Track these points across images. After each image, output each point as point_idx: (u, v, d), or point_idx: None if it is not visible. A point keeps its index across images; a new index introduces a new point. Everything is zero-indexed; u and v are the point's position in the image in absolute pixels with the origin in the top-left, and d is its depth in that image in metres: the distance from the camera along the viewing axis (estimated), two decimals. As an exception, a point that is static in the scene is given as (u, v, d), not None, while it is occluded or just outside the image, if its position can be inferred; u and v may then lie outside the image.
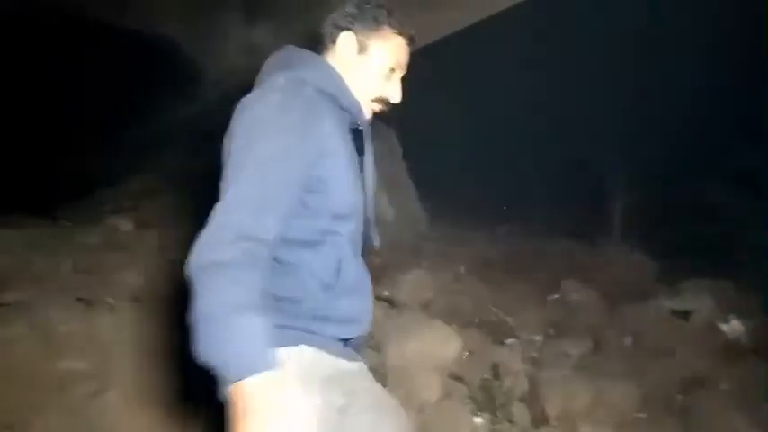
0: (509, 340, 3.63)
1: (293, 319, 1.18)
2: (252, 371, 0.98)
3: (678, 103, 5.97)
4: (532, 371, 3.30)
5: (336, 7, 1.33)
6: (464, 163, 6.58)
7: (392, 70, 1.32)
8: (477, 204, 6.03)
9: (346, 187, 1.23)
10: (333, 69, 1.29)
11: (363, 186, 1.31)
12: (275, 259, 1.14)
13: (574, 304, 4.11)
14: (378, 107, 1.35)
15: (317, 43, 1.34)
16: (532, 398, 3.08)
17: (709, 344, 3.41)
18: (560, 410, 2.94)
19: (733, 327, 3.46)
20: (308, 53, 1.31)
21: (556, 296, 4.24)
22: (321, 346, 1.21)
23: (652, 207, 5.15)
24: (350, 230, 1.25)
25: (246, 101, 1.19)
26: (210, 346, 1.01)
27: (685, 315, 3.62)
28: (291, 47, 1.33)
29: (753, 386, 3.16)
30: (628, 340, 3.59)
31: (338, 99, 1.25)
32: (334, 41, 1.31)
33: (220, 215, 1.07)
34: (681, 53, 6.32)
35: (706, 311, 3.58)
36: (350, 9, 1.31)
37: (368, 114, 1.34)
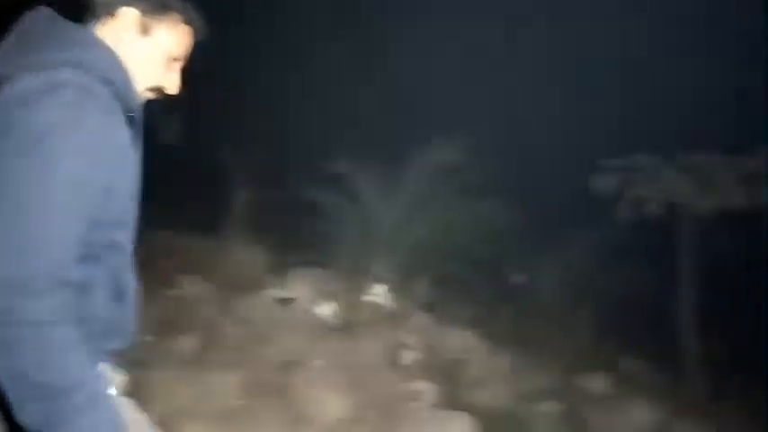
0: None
1: (88, 340, 1.01)
2: None
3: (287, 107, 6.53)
4: (139, 373, 3.17)
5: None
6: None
7: (174, 59, 1.21)
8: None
9: (130, 194, 1.12)
10: (115, 54, 1.11)
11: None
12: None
13: (190, 299, 4.13)
14: (151, 96, 1.23)
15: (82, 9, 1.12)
16: (136, 402, 2.96)
17: (306, 327, 3.85)
18: (163, 411, 2.90)
19: (325, 309, 3.98)
20: (80, 29, 1.11)
21: (172, 292, 4.18)
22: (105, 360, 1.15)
23: (268, 205, 5.56)
24: (128, 237, 1.15)
25: (25, 98, 0.94)
26: (45, 418, 0.90)
27: (288, 302, 4.00)
28: (51, 13, 1.09)
29: (340, 360, 3.69)
30: (238, 330, 3.77)
31: (119, 89, 1.08)
32: (112, 15, 1.13)
33: (23, 253, 0.89)
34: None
35: (305, 297, 4.04)
36: None
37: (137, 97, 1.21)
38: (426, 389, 3.81)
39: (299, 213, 4.70)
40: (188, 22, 1.22)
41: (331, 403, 3.37)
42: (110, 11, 1.14)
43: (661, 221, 4.38)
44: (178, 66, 1.25)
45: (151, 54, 1.18)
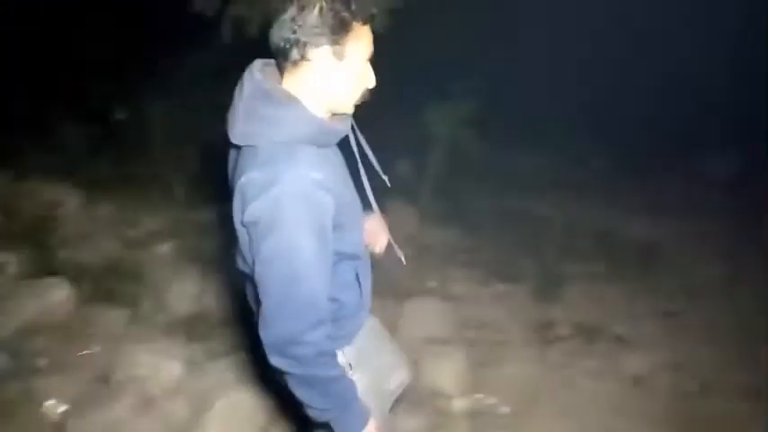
0: None
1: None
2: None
3: None
4: None
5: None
6: None
7: (367, 61, 1.31)
8: None
9: (355, 226, 1.41)
10: (310, 114, 1.25)
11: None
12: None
13: None
14: (360, 98, 1.34)
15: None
16: None
17: None
18: None
19: None
20: (283, 97, 1.24)
21: None
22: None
23: None
24: (362, 245, 1.48)
25: (269, 204, 1.18)
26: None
27: None
28: (260, 78, 1.26)
29: None
30: None
31: (324, 139, 1.28)
32: (308, 59, 1.22)
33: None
34: None
35: None
36: (312, 20, 1.19)
37: (351, 111, 1.36)
38: (9, 260, 3.17)
39: None
40: (366, 21, 1.26)
41: None
42: (304, 55, 1.22)
43: (259, 41, 4.27)
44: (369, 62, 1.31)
45: (354, 72, 1.27)
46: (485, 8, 7.57)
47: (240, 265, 1.41)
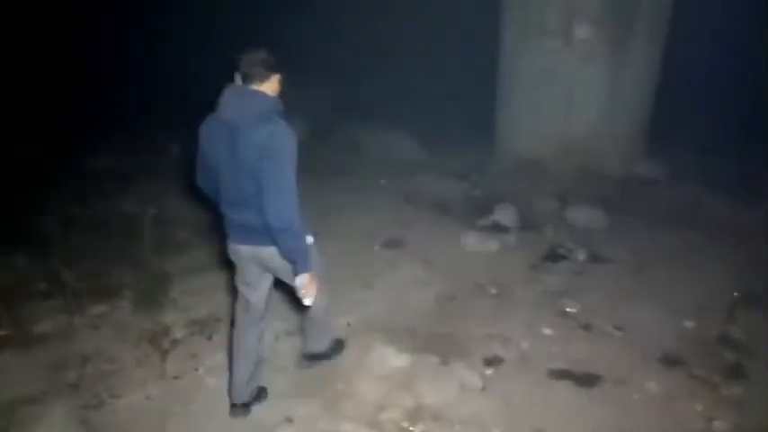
0: None
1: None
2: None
3: None
4: None
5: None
6: None
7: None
8: None
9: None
10: (277, 98, 2.39)
11: None
12: None
13: None
14: None
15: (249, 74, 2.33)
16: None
17: None
18: None
19: None
20: (261, 92, 2.33)
21: None
22: None
23: None
24: None
25: (276, 137, 2.26)
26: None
27: None
28: (243, 88, 2.33)
29: None
30: None
31: (280, 109, 2.37)
32: (268, 78, 2.35)
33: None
34: None
35: None
36: (272, 60, 2.35)
37: None
38: None
39: None
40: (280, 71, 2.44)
41: None
42: (267, 76, 2.36)
43: None
44: None
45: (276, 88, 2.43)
46: None
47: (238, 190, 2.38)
